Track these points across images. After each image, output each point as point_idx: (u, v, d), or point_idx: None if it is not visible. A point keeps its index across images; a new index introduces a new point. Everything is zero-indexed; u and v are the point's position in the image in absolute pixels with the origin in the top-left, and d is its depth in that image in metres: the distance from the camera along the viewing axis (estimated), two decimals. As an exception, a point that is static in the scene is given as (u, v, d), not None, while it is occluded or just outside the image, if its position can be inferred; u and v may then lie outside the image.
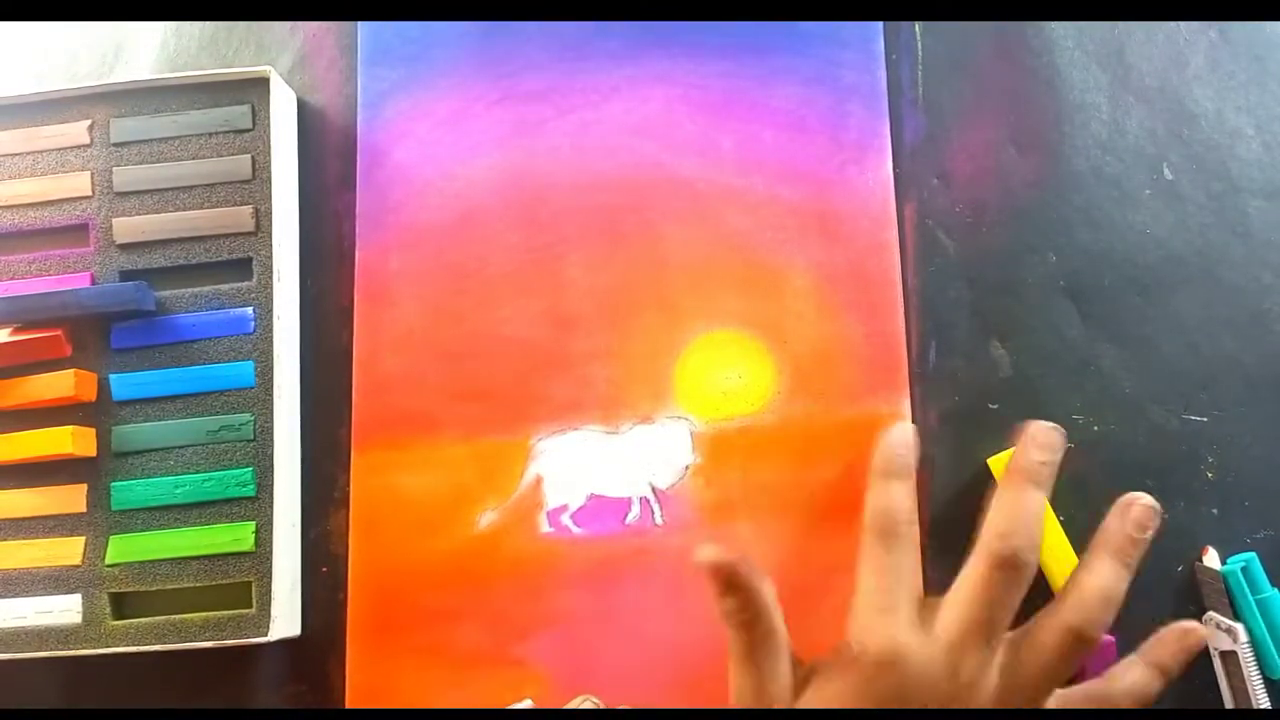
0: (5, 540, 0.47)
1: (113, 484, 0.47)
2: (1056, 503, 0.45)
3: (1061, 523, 0.45)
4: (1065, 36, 0.50)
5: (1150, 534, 0.39)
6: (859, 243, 0.48)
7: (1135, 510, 0.39)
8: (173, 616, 0.46)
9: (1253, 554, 0.44)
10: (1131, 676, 0.39)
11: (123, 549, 0.47)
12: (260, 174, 0.49)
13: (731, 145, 0.49)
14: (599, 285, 0.49)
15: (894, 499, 0.40)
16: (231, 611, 0.46)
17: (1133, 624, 0.45)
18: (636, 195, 0.49)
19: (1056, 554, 0.44)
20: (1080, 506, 0.46)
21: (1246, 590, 0.43)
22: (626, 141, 0.50)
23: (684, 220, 0.49)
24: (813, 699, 0.36)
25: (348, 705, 0.46)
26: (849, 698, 0.35)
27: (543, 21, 0.51)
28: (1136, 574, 0.40)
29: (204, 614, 0.46)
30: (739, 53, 0.50)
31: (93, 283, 0.49)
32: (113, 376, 0.48)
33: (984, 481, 0.46)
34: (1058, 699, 0.39)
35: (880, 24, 0.50)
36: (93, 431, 0.47)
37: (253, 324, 0.48)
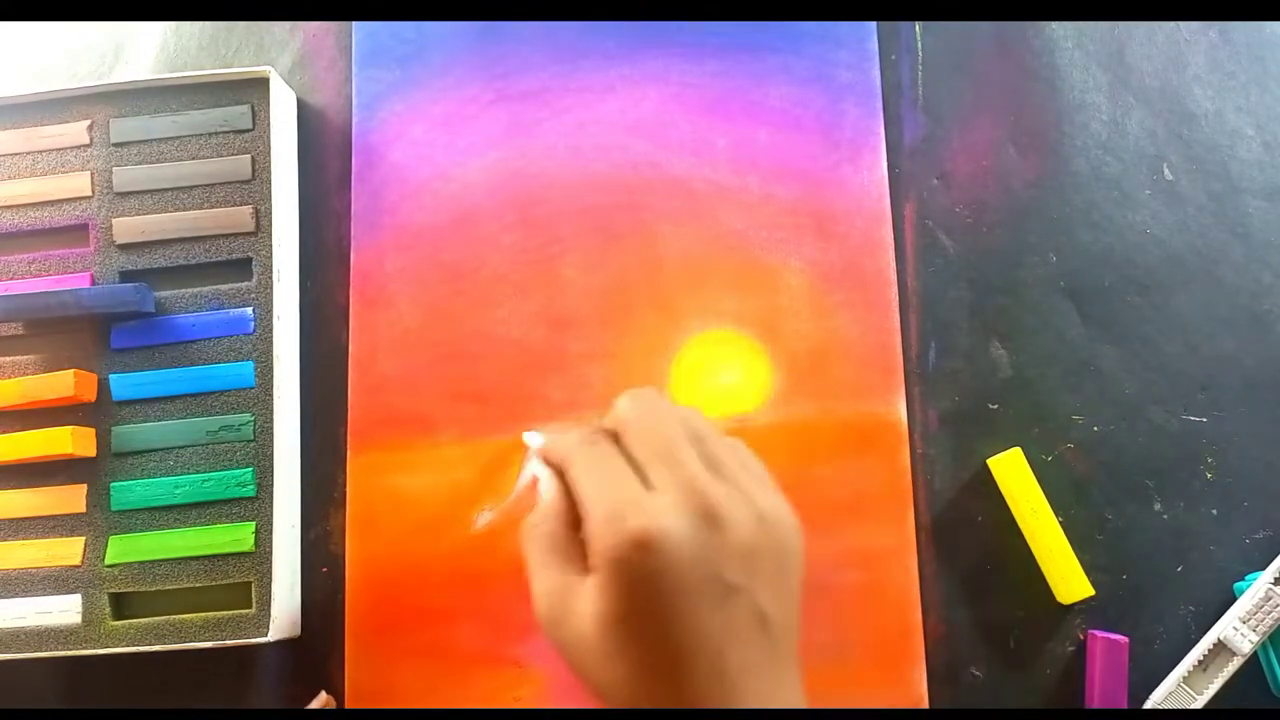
0: (5, 540, 0.47)
1: (112, 484, 0.47)
2: (1056, 502, 0.45)
3: (1061, 523, 0.45)
4: (1065, 36, 0.50)
5: None
6: (854, 241, 0.48)
7: None
8: (173, 616, 0.46)
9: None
10: None
11: (122, 549, 0.47)
12: (260, 174, 0.49)
13: (726, 144, 0.49)
14: (594, 285, 0.49)
15: (567, 433, 0.38)
16: (231, 612, 0.46)
17: (1134, 624, 0.45)
18: (631, 195, 0.49)
19: (1053, 550, 0.44)
20: (1080, 506, 0.46)
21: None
22: (621, 141, 0.50)
23: (679, 219, 0.49)
24: (589, 610, 0.33)
25: (347, 705, 0.46)
26: (626, 597, 0.32)
27: (537, 22, 0.51)
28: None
29: (204, 614, 0.46)
30: (733, 52, 0.50)
31: (93, 283, 0.49)
32: (113, 376, 0.48)
33: (984, 482, 0.46)
34: None
35: (874, 23, 0.50)
36: (93, 431, 0.47)
37: (253, 324, 0.48)
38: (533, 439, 0.45)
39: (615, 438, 0.36)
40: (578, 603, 0.33)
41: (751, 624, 0.32)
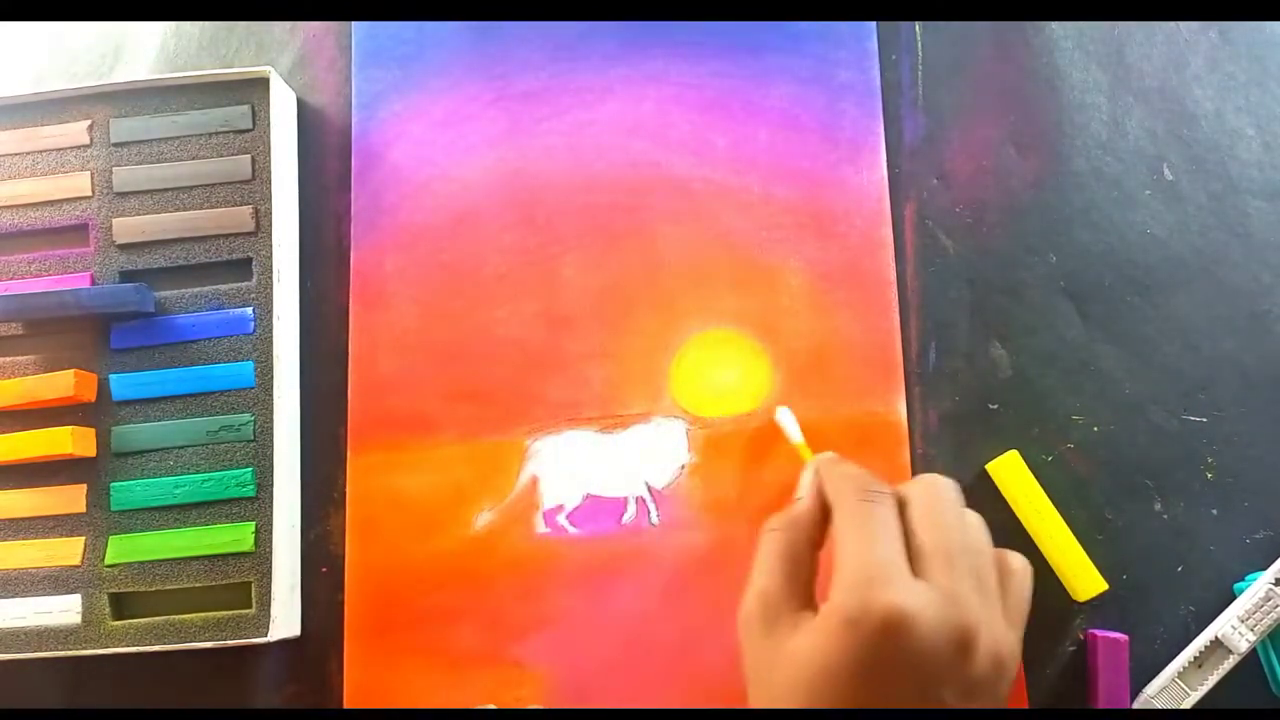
0: (5, 540, 0.47)
1: (112, 484, 0.47)
2: (1056, 503, 0.45)
3: (1061, 523, 0.45)
4: (1065, 36, 0.50)
5: None
6: (854, 241, 0.48)
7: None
8: (173, 617, 0.46)
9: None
10: None
11: (122, 549, 0.47)
12: (260, 174, 0.49)
13: (726, 144, 0.49)
14: (594, 285, 0.49)
15: (856, 467, 0.38)
16: (231, 612, 0.46)
17: (1134, 623, 0.45)
18: (631, 195, 0.49)
19: (1063, 549, 0.44)
20: (1080, 506, 0.46)
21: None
22: (621, 141, 0.50)
23: (679, 219, 0.49)
24: (802, 650, 0.33)
25: (346, 705, 0.46)
26: (846, 662, 0.31)
27: (537, 22, 0.51)
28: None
29: (204, 614, 0.46)
30: (733, 52, 0.50)
31: (93, 283, 0.49)
32: (113, 376, 0.48)
33: (984, 482, 0.46)
34: None
35: (874, 23, 0.50)
36: (93, 431, 0.47)
37: (253, 324, 0.48)
38: (785, 415, 0.46)
39: (901, 506, 0.35)
40: (791, 629, 0.33)
41: None
